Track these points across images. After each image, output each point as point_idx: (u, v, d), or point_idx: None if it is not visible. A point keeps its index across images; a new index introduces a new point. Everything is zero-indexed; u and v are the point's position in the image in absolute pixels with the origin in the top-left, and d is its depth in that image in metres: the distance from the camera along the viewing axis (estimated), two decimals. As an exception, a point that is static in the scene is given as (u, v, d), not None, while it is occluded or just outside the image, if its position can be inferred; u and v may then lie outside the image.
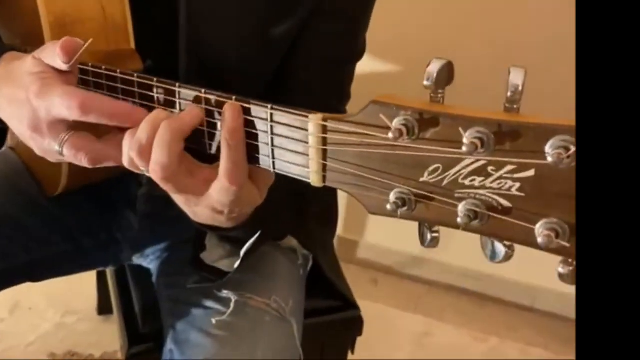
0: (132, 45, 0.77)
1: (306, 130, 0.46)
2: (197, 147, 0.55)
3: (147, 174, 0.55)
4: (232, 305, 0.77)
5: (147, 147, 0.52)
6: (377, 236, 1.87)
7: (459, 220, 0.41)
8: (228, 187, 0.51)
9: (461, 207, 0.40)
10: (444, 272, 1.81)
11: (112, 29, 0.77)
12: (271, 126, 0.49)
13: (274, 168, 0.50)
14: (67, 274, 0.94)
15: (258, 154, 0.51)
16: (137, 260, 0.97)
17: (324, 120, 0.45)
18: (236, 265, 0.72)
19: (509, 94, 0.39)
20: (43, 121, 0.57)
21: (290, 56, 0.77)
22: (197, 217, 0.59)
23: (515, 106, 0.40)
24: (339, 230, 1.03)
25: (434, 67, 0.41)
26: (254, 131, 0.50)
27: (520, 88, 0.39)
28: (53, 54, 0.57)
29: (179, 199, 0.56)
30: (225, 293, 0.79)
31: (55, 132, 0.57)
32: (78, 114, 0.54)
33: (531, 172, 0.38)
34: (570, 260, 0.39)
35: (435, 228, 0.45)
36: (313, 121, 0.45)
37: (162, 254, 0.94)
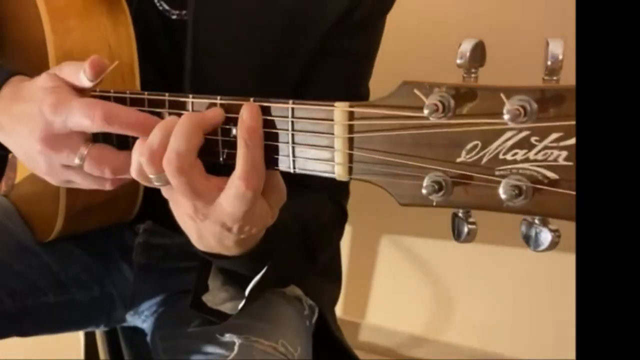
0: (138, 86, 0.76)
1: (332, 120, 0.44)
2: (210, 158, 0.52)
3: (156, 184, 0.52)
4: (236, 348, 0.72)
5: (159, 151, 0.50)
6: (379, 317, 1.80)
7: (502, 197, 0.38)
8: (243, 192, 0.48)
9: (503, 185, 0.38)
10: (449, 353, 1.74)
11: (118, 69, 0.77)
12: (292, 122, 0.47)
13: (294, 168, 0.47)
14: (57, 330, 0.87)
15: (277, 154, 0.48)
16: (130, 318, 0.91)
17: (351, 107, 0.43)
18: (240, 306, 0.67)
19: (548, 63, 0.38)
20: (58, 134, 0.55)
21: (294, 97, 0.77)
22: (202, 238, 0.55)
23: (554, 77, 0.38)
24: (339, 311, 0.99)
25: (467, 46, 0.40)
26: (273, 131, 0.48)
27: (560, 57, 0.38)
28: (76, 70, 0.56)
29: (186, 210, 0.52)
30: (228, 337, 0.73)
31: (73, 145, 0.55)
32: (101, 124, 0.52)
33: (579, 138, 0.36)
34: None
35: (472, 219, 0.42)
36: (339, 108, 0.44)
37: (157, 309, 0.89)
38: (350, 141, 0.43)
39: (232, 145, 0.50)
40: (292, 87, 0.77)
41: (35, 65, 0.77)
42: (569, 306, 1.48)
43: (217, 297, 0.71)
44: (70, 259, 0.86)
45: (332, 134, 0.44)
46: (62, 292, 0.85)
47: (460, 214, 0.41)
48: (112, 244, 0.89)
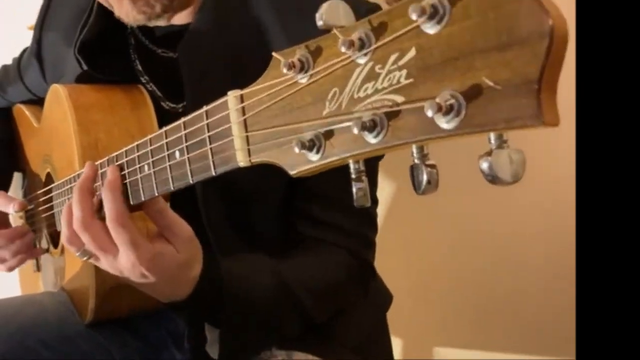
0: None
1: (227, 110, 0.45)
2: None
3: (83, 259, 0.62)
4: None
5: (70, 233, 0.61)
6: None
7: (355, 131, 0.36)
8: (115, 227, 0.57)
9: (354, 123, 0.36)
10: None
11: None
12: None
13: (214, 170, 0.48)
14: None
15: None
16: None
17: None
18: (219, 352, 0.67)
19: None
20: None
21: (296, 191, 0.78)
22: (142, 287, 0.62)
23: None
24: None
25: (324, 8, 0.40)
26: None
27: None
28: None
29: (110, 266, 0.60)
30: None
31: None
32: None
33: (412, 52, 0.34)
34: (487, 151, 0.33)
35: (362, 177, 0.40)
36: (232, 95, 0.45)
37: None
38: (245, 123, 0.44)
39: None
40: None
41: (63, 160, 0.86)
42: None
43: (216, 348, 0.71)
44: (125, 343, 0.88)
45: (229, 123, 0.45)
46: None
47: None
48: (164, 330, 0.91)
